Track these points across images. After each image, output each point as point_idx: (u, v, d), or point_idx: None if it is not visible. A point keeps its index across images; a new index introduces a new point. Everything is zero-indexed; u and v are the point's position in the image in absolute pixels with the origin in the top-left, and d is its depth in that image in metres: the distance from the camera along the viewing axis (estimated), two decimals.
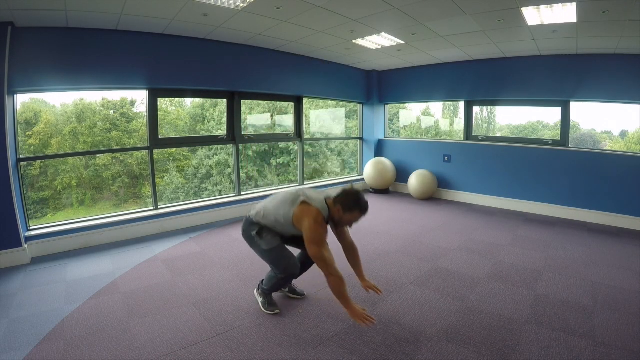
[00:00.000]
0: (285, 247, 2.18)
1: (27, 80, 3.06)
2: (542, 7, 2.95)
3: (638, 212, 4.02)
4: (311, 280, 2.66)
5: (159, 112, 4.04)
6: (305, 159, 5.80)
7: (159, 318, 2.16)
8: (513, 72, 4.83)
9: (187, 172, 7.41)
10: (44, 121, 5.65)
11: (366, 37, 4.11)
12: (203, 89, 4.34)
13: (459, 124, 6.10)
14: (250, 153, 7.68)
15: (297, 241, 2.17)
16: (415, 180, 5.56)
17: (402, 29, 3.77)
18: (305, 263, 2.28)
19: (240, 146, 4.90)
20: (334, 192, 2.09)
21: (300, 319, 2.15)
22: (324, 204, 1.98)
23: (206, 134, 7.41)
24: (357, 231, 2.98)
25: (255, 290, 2.39)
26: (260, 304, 2.29)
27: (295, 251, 2.28)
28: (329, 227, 2.06)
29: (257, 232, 2.12)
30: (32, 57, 3.05)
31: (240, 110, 4.72)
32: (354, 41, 4.26)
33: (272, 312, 2.22)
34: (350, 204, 1.94)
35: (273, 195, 2.22)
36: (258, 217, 2.13)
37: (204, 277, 2.75)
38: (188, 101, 7.62)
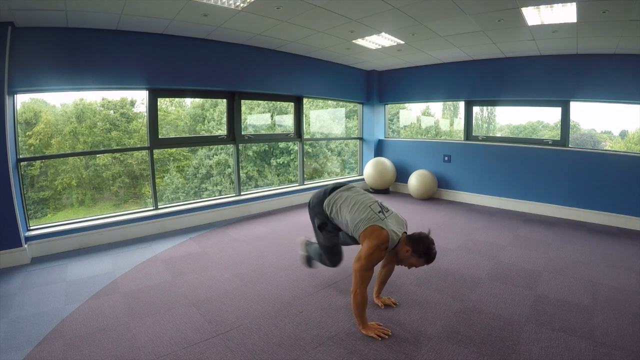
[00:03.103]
0: (338, 244, 2.36)
1: (27, 80, 3.06)
2: (542, 7, 2.95)
3: (638, 212, 4.02)
4: (311, 281, 2.66)
5: (159, 112, 4.04)
6: (305, 159, 5.80)
7: (159, 318, 2.16)
8: (513, 72, 4.83)
9: (187, 172, 7.41)
10: (44, 121, 5.65)
11: (366, 37, 4.11)
12: (203, 89, 4.34)
13: (459, 124, 6.11)
14: (250, 153, 7.68)
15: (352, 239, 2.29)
16: (415, 180, 5.56)
17: (402, 29, 3.77)
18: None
19: (240, 146, 4.90)
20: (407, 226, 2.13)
21: (300, 319, 2.15)
22: (398, 235, 1.95)
23: (206, 134, 7.40)
24: None
25: (303, 242, 2.72)
26: (302, 256, 2.72)
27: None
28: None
29: (320, 224, 2.24)
30: (32, 57, 3.05)
31: (240, 110, 4.72)
32: (354, 41, 4.27)
33: (307, 266, 2.71)
34: (421, 251, 1.91)
35: (352, 198, 2.11)
36: (328, 208, 2.16)
37: (204, 277, 2.75)
38: (188, 101, 7.62)
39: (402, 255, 1.96)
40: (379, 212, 2.01)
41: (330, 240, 2.28)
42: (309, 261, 2.67)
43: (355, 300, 1.91)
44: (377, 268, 2.17)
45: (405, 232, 2.04)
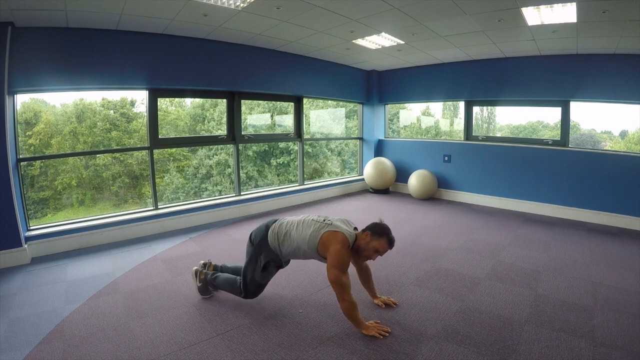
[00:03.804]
0: (268, 281, 2.27)
1: (27, 80, 3.06)
2: (542, 7, 2.95)
3: (638, 212, 4.02)
4: (312, 280, 2.66)
5: (159, 112, 4.04)
6: (305, 159, 5.80)
7: (159, 318, 2.16)
8: (513, 72, 4.83)
9: (187, 172, 7.41)
10: (44, 121, 5.65)
11: (366, 37, 4.11)
12: (203, 89, 4.34)
13: (459, 124, 6.11)
14: (250, 153, 7.68)
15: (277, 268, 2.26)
16: (415, 180, 5.56)
17: (402, 29, 3.77)
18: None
19: (240, 146, 4.90)
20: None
21: (300, 319, 2.15)
22: (351, 232, 2.00)
23: (206, 134, 7.41)
24: None
25: (196, 272, 2.40)
26: (196, 286, 2.40)
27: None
28: None
29: (265, 263, 2.14)
30: (32, 57, 3.05)
31: (240, 110, 4.72)
32: (354, 41, 4.27)
33: (207, 297, 2.40)
34: (379, 231, 1.98)
35: (294, 221, 2.15)
36: (275, 239, 2.10)
37: None
38: (188, 101, 7.63)
39: (363, 243, 1.98)
40: (323, 220, 2.06)
41: (265, 278, 2.21)
42: (205, 290, 2.41)
43: (345, 308, 1.92)
44: (356, 277, 2.22)
45: (356, 228, 2.12)
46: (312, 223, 2.05)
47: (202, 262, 2.51)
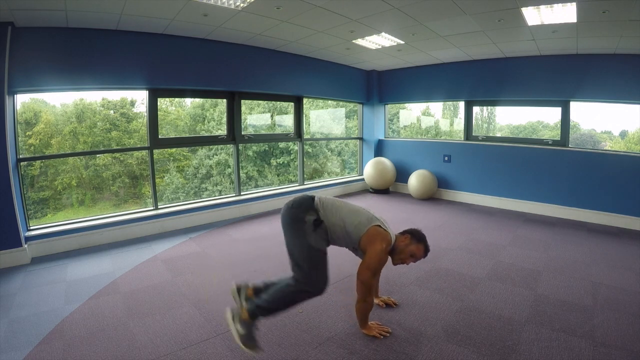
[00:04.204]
0: (326, 249, 1.81)
1: (27, 80, 3.06)
2: (542, 7, 2.95)
3: (638, 212, 4.01)
4: None
5: (159, 112, 4.04)
6: (305, 159, 5.80)
7: (159, 318, 2.16)
8: (513, 72, 4.83)
9: (187, 172, 7.42)
10: (44, 121, 5.65)
11: (366, 37, 4.11)
12: (203, 89, 4.34)
13: (459, 124, 6.11)
14: (250, 153, 7.68)
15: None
16: (415, 180, 5.56)
17: (402, 29, 3.77)
18: None
19: (240, 146, 4.90)
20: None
21: (300, 319, 2.15)
22: (392, 235, 1.93)
23: (206, 134, 7.41)
24: None
25: (232, 314, 1.78)
26: (237, 335, 1.70)
27: None
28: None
29: (315, 220, 1.77)
30: (32, 57, 3.05)
31: (240, 110, 4.72)
32: (354, 41, 4.26)
33: (251, 351, 1.68)
34: (418, 237, 1.95)
35: (345, 201, 1.97)
36: (321, 207, 1.83)
37: (204, 277, 2.74)
38: (188, 101, 7.63)
39: (401, 246, 1.90)
40: (374, 216, 1.93)
41: (322, 243, 1.78)
42: (252, 337, 1.71)
43: (363, 309, 1.90)
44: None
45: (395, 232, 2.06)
46: (363, 211, 1.90)
47: (234, 286, 1.89)
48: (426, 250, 1.96)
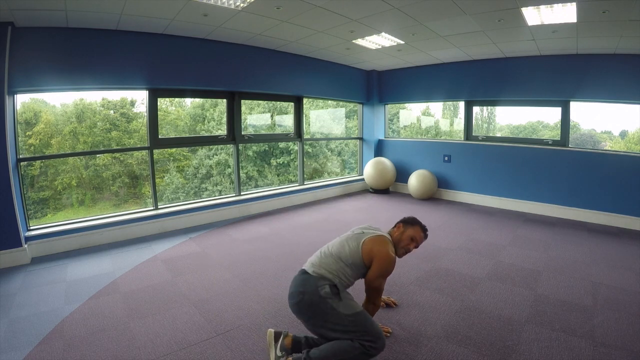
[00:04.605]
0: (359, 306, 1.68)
1: (27, 80, 3.06)
2: (542, 7, 2.95)
3: (638, 212, 4.02)
4: None
5: (159, 112, 4.04)
6: (305, 159, 5.80)
7: (159, 318, 2.16)
8: (513, 72, 4.83)
9: (187, 172, 7.42)
10: (44, 121, 5.65)
11: (366, 37, 4.11)
12: (203, 89, 4.34)
13: (459, 124, 6.11)
14: (250, 153, 7.69)
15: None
16: (415, 180, 5.56)
17: (402, 29, 3.77)
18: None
19: (240, 146, 4.90)
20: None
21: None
22: (385, 233, 1.94)
23: (206, 134, 7.41)
24: None
25: (275, 337, 1.66)
26: None
27: None
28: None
29: (330, 288, 1.61)
30: (32, 57, 3.05)
31: (240, 110, 4.72)
32: (354, 41, 4.26)
33: None
34: (411, 220, 1.97)
35: (327, 245, 1.88)
36: (318, 269, 1.72)
37: (204, 277, 2.75)
38: (188, 101, 7.63)
39: (397, 235, 1.90)
40: (362, 232, 1.88)
41: (353, 304, 1.64)
42: None
43: (372, 310, 1.84)
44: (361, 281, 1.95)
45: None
46: (351, 235, 1.87)
47: (272, 330, 1.71)
48: (423, 230, 1.96)
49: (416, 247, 1.94)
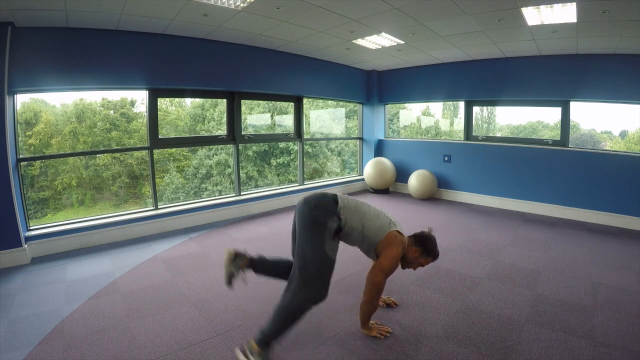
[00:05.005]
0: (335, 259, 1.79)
1: (27, 80, 3.06)
2: (542, 7, 2.95)
3: (638, 212, 4.01)
4: None
5: (159, 112, 4.03)
6: (305, 159, 5.80)
7: (159, 318, 2.16)
8: (513, 72, 4.83)
9: (187, 172, 7.42)
10: (44, 121, 5.66)
11: (366, 37, 4.11)
12: (203, 89, 4.34)
13: (459, 124, 6.11)
14: (250, 153, 7.69)
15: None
16: (415, 180, 5.56)
17: (402, 29, 3.77)
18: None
19: (240, 146, 4.90)
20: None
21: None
22: (406, 238, 1.94)
23: (206, 134, 7.41)
24: None
25: (244, 350, 1.68)
26: (230, 272, 1.87)
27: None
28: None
29: (337, 228, 1.74)
30: (32, 57, 3.05)
31: (240, 110, 4.72)
32: (354, 41, 4.26)
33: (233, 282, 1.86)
34: (430, 249, 1.93)
35: (366, 203, 1.95)
36: (343, 211, 1.80)
37: (204, 277, 2.75)
38: (188, 101, 7.63)
39: (410, 257, 1.94)
40: (392, 220, 1.94)
41: (335, 252, 1.77)
42: (272, 343, 1.68)
43: (369, 310, 1.89)
44: (365, 273, 2.07)
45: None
46: (383, 216, 1.91)
47: (234, 252, 1.94)
48: (435, 259, 1.98)
49: (422, 266, 2.01)
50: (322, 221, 1.72)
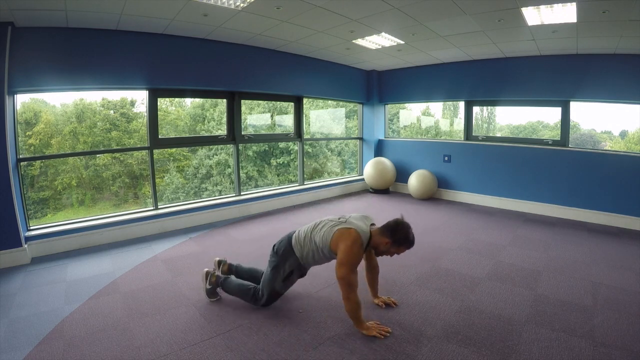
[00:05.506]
0: (286, 290, 2.28)
1: (27, 80, 3.06)
2: (542, 7, 2.95)
3: (638, 212, 4.01)
4: (312, 280, 2.66)
5: (159, 112, 4.03)
6: (305, 159, 5.80)
7: (159, 318, 2.16)
8: (513, 72, 4.83)
9: (187, 172, 7.42)
10: (44, 121, 5.65)
11: (366, 37, 4.11)
12: (203, 89, 4.34)
13: (459, 124, 6.11)
14: (250, 153, 7.69)
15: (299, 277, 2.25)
16: (415, 180, 5.56)
17: (402, 29, 3.77)
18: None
19: (240, 146, 4.90)
20: (372, 219, 2.13)
21: (300, 319, 2.15)
22: (366, 230, 1.97)
23: (206, 134, 7.41)
24: None
25: (207, 273, 2.35)
26: (205, 288, 2.37)
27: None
28: None
29: (289, 272, 2.14)
30: (32, 57, 3.05)
31: (240, 110, 4.72)
32: (354, 41, 4.26)
33: (213, 299, 2.37)
34: (401, 239, 1.93)
35: (313, 223, 2.17)
36: (298, 244, 2.11)
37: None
38: (188, 101, 7.63)
39: (382, 248, 1.98)
40: (339, 218, 2.07)
41: (285, 287, 2.22)
42: (213, 293, 2.38)
43: (350, 307, 1.91)
44: (363, 274, 2.18)
45: (373, 224, 2.08)
46: (327, 222, 2.07)
47: (217, 259, 2.51)
48: (409, 247, 1.97)
49: (398, 254, 2.04)
50: (279, 265, 2.15)
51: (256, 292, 2.23)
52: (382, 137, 6.59)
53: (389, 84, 6.26)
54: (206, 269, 2.40)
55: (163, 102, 6.73)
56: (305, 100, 5.58)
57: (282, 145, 7.86)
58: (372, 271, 2.25)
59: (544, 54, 4.51)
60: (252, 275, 2.41)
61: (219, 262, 2.49)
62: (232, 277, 2.39)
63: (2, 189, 2.92)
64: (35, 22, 3.01)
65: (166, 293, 2.49)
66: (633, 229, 4.01)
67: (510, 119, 6.04)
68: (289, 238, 2.18)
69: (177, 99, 7.24)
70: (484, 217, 4.54)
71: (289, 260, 2.13)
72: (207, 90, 4.44)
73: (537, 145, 4.82)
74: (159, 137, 4.03)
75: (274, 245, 2.24)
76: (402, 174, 6.14)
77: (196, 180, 7.40)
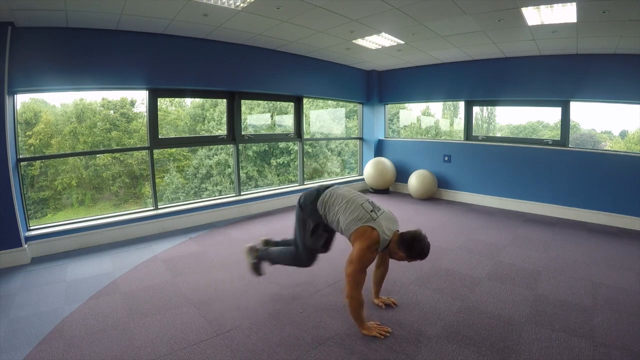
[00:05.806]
0: (320, 248, 2.22)
1: (27, 80, 3.06)
2: (542, 7, 2.95)
3: (638, 212, 4.01)
4: (310, 281, 2.66)
5: (159, 112, 4.03)
6: (305, 159, 5.80)
7: (158, 318, 2.16)
8: (513, 72, 4.83)
9: (187, 172, 7.42)
10: (44, 121, 5.65)
11: (366, 37, 4.11)
12: (203, 89, 4.34)
13: (459, 124, 6.11)
14: (250, 153, 7.69)
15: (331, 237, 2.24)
16: (415, 180, 5.56)
17: (402, 29, 3.77)
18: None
19: (240, 146, 4.90)
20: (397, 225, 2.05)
21: (300, 319, 2.15)
22: (388, 237, 1.91)
23: (206, 134, 7.41)
24: None
25: (250, 248, 2.48)
26: (251, 263, 2.48)
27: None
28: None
29: (313, 227, 2.12)
30: (32, 57, 3.05)
31: (240, 110, 4.72)
32: (354, 41, 4.26)
33: (258, 275, 2.51)
34: (415, 254, 1.88)
35: (345, 197, 2.05)
36: (323, 207, 2.07)
37: (204, 277, 2.75)
38: (188, 101, 7.63)
39: (395, 257, 1.97)
40: (371, 211, 1.96)
41: (317, 242, 2.16)
42: (258, 268, 2.50)
43: (352, 305, 1.90)
44: (371, 269, 2.14)
45: (398, 230, 2.01)
46: (358, 209, 1.97)
47: (263, 238, 2.60)
48: (421, 258, 1.91)
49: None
50: (303, 218, 2.17)
51: (296, 253, 2.26)
52: (382, 137, 6.59)
53: (389, 84, 6.25)
54: (249, 244, 2.52)
55: (163, 102, 6.73)
56: (305, 100, 5.58)
57: (282, 145, 7.85)
58: (381, 269, 2.24)
59: (544, 54, 4.51)
60: (287, 242, 2.49)
61: (266, 242, 2.57)
62: (271, 247, 2.48)
63: (2, 189, 2.92)
64: (35, 22, 3.01)
65: (166, 293, 2.49)
66: (633, 229, 4.01)
67: (510, 119, 6.05)
68: (317, 193, 2.13)
69: (177, 99, 7.24)
70: (484, 217, 4.54)
71: (313, 216, 2.12)
72: (207, 90, 4.44)
73: (537, 145, 4.82)
74: (159, 137, 4.03)
75: (300, 198, 2.22)
76: (402, 174, 6.14)
77: (196, 180, 7.40)
